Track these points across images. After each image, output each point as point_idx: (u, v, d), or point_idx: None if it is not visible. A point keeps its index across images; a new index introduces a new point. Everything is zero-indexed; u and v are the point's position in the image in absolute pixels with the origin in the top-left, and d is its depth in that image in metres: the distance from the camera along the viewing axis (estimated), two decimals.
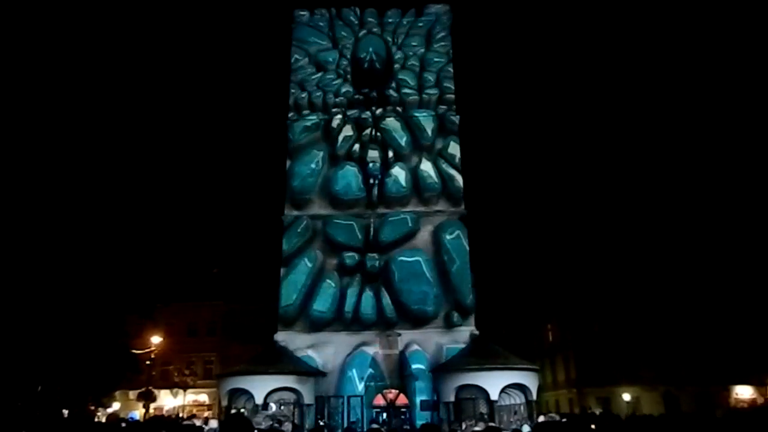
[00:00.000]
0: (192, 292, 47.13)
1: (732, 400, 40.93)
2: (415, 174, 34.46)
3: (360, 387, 29.84)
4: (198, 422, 21.47)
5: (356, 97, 36.45)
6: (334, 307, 31.77)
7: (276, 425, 20.09)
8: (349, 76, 37.12)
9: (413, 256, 32.52)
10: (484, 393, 27.49)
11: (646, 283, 43.25)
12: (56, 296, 28.42)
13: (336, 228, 33.36)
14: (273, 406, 27.98)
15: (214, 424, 21.80)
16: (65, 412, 29.72)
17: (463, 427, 24.53)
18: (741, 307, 41.41)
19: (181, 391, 42.38)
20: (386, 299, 31.78)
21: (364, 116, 35.71)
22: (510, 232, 54.47)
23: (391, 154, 34.87)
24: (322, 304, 31.71)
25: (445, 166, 34.73)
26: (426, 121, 35.54)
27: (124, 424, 18.62)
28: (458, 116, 35.78)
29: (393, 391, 30.34)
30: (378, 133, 35.41)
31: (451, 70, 37.12)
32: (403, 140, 35.10)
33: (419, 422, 26.18)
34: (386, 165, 34.62)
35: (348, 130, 35.44)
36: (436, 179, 34.31)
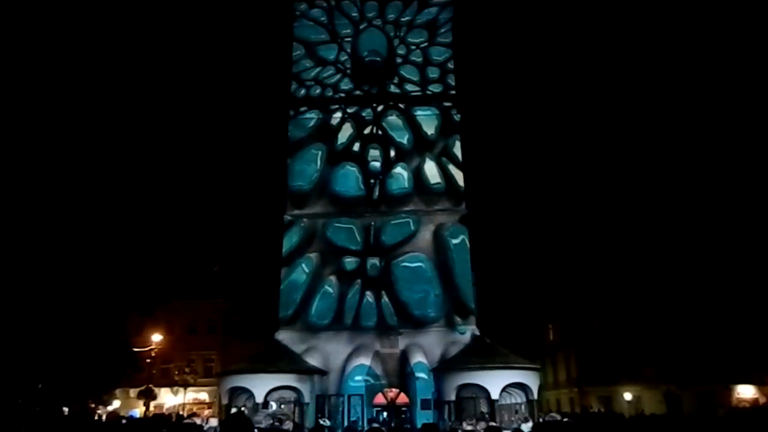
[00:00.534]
0: (193, 289, 46.98)
1: (734, 399, 40.72)
2: (417, 173, 34.18)
3: (360, 386, 29.81)
4: (198, 421, 21.46)
5: (356, 93, 36.02)
6: (335, 309, 31.71)
7: (276, 424, 20.09)
8: (349, 71, 36.55)
9: (415, 261, 32.29)
10: (485, 392, 27.49)
11: (647, 282, 43.09)
12: (57, 294, 28.35)
13: (336, 231, 33.17)
14: (273, 405, 27.97)
15: (214, 422, 21.78)
16: (65, 409, 29.65)
17: (464, 426, 24.47)
18: (743, 306, 41.24)
19: (181, 389, 42.27)
20: (387, 303, 31.67)
21: (364, 113, 35.46)
22: (511, 232, 54.32)
23: (392, 152, 34.67)
24: (322, 306, 31.66)
25: (448, 165, 34.44)
26: (429, 118, 35.18)
27: (124, 422, 18.62)
28: (461, 114, 35.52)
29: (394, 390, 30.29)
30: (379, 131, 35.21)
31: (455, 65, 36.48)
32: (404, 138, 34.82)
33: (420, 421, 26.12)
34: (388, 164, 34.43)
35: (348, 128, 35.15)
36: (440, 179, 34.00)
